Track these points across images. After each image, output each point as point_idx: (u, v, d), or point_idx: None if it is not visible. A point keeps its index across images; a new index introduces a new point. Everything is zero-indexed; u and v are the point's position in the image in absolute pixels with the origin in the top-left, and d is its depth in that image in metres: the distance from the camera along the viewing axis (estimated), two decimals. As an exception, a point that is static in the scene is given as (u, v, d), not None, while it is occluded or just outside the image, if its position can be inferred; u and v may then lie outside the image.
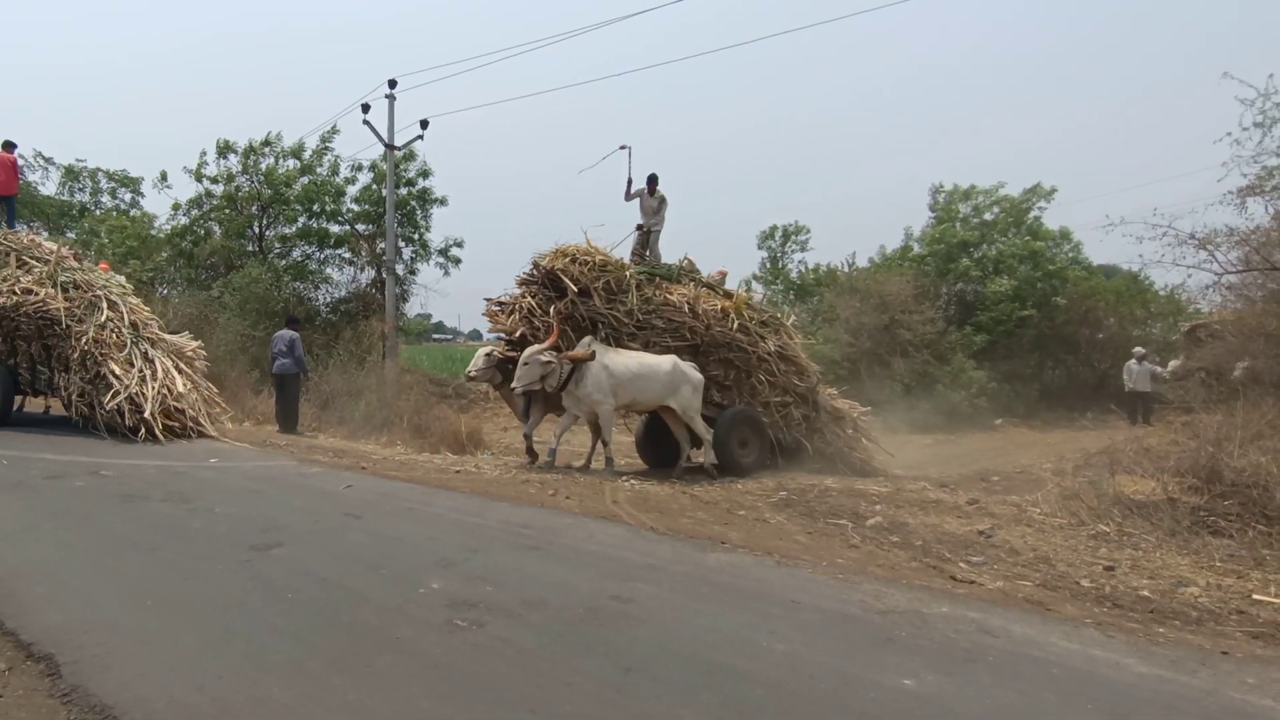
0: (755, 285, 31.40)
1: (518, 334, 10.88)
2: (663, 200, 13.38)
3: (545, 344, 10.15)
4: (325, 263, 27.20)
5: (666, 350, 10.95)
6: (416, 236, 27.58)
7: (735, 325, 11.51)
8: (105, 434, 10.95)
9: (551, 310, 10.65)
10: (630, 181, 13.41)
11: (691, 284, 12.03)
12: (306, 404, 16.57)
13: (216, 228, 26.16)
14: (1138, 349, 20.46)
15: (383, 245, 24.39)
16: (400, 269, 25.61)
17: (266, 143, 25.75)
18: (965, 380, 22.30)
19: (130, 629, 4.10)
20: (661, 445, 11.79)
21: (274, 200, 25.80)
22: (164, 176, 30.23)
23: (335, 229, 26.66)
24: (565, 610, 4.52)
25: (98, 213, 31.15)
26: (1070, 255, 26.05)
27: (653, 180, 13.36)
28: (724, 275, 13.25)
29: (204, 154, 26.31)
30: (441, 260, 28.09)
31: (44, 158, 31.66)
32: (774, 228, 31.74)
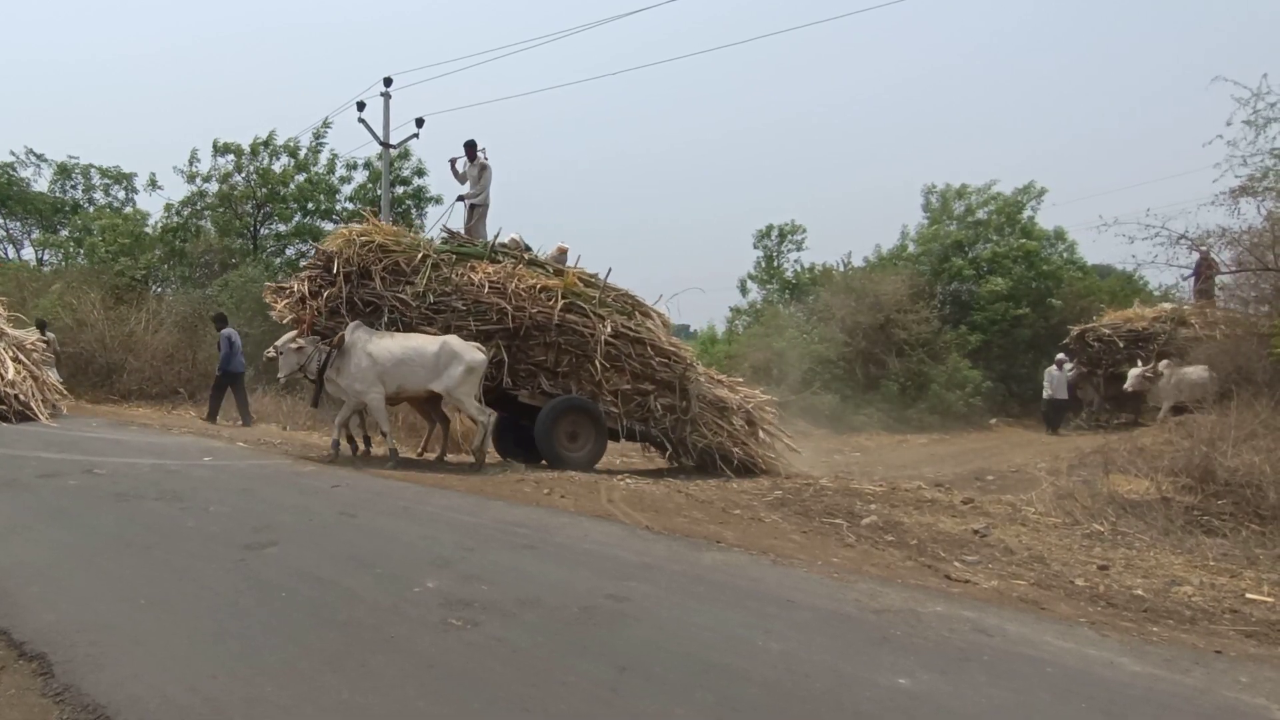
0: (750, 284, 31.53)
1: (286, 320, 10.63)
2: (483, 168, 12.82)
3: (296, 331, 10.13)
4: (320, 261, 27.02)
5: (476, 334, 10.41)
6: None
7: (558, 306, 10.69)
8: None
9: (324, 295, 10.47)
10: (453, 161, 13.09)
11: (510, 262, 11.29)
12: (300, 401, 16.68)
13: (210, 227, 26.07)
14: (1060, 355, 20.26)
15: None
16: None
17: (266, 142, 25.73)
18: (960, 380, 22.37)
19: (123, 628, 4.09)
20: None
21: (269, 198, 25.74)
22: (154, 181, 30.18)
23: (330, 227, 26.31)
24: (560, 609, 4.52)
25: (90, 210, 31.05)
26: (1065, 255, 26.20)
27: (470, 146, 12.84)
28: (563, 252, 12.54)
29: (195, 153, 26.31)
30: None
31: (35, 154, 31.63)
32: (770, 227, 31.55)
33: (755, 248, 31.83)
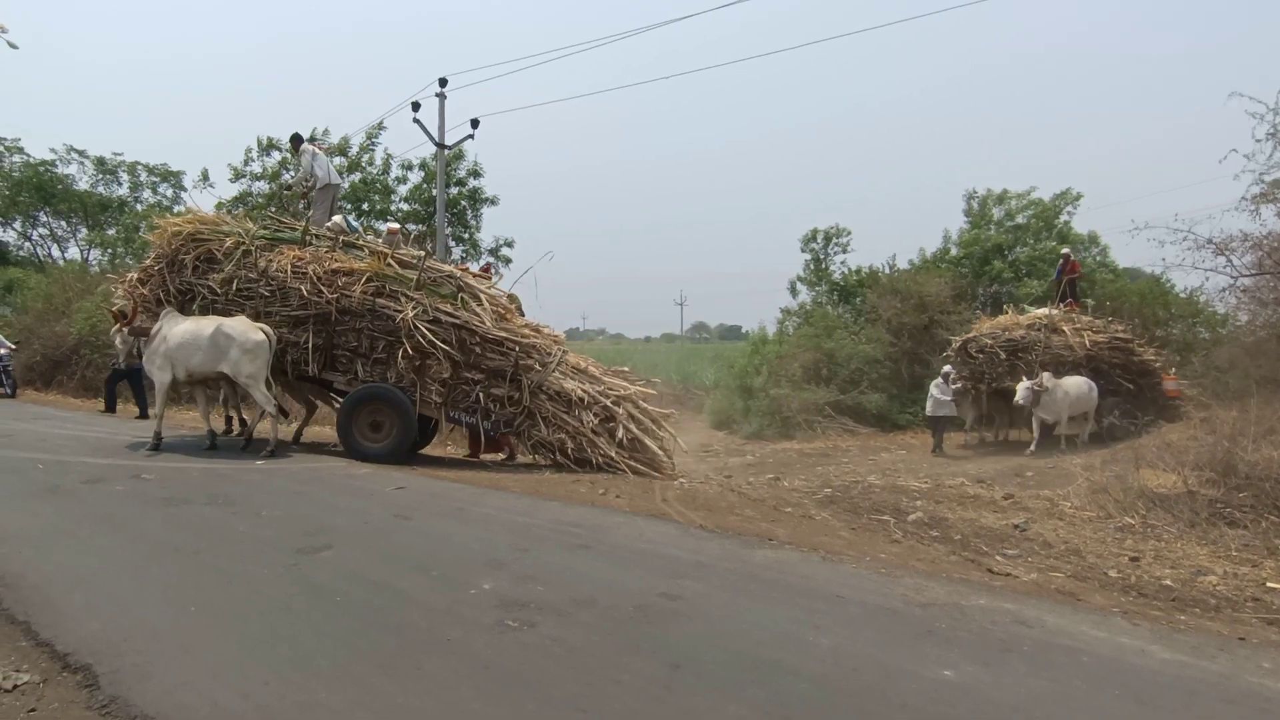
0: (799, 286, 31.74)
1: (116, 308, 11.09)
2: (301, 154, 13.06)
3: (128, 319, 10.52)
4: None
5: (285, 319, 10.54)
6: (467, 236, 27.54)
7: (360, 289, 10.44)
8: None
9: (149, 284, 10.91)
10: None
11: (324, 246, 11.25)
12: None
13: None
14: (946, 367, 18.72)
15: (432, 244, 24.35)
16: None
17: (312, 139, 25.63)
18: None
19: (172, 636, 4.06)
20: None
21: None
22: (205, 175, 30.14)
23: (383, 227, 26.23)
24: (615, 608, 4.57)
25: (139, 208, 30.96)
26: (1098, 258, 26.27)
27: (294, 140, 13.14)
28: (393, 233, 12.61)
29: (249, 151, 26.26)
30: (492, 260, 27.92)
31: (75, 150, 31.61)
32: (815, 231, 31.82)
33: (803, 251, 32.11)
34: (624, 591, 4.92)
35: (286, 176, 24.72)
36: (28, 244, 32.66)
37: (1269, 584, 5.76)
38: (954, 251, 27.95)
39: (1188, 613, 5.07)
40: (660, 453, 10.83)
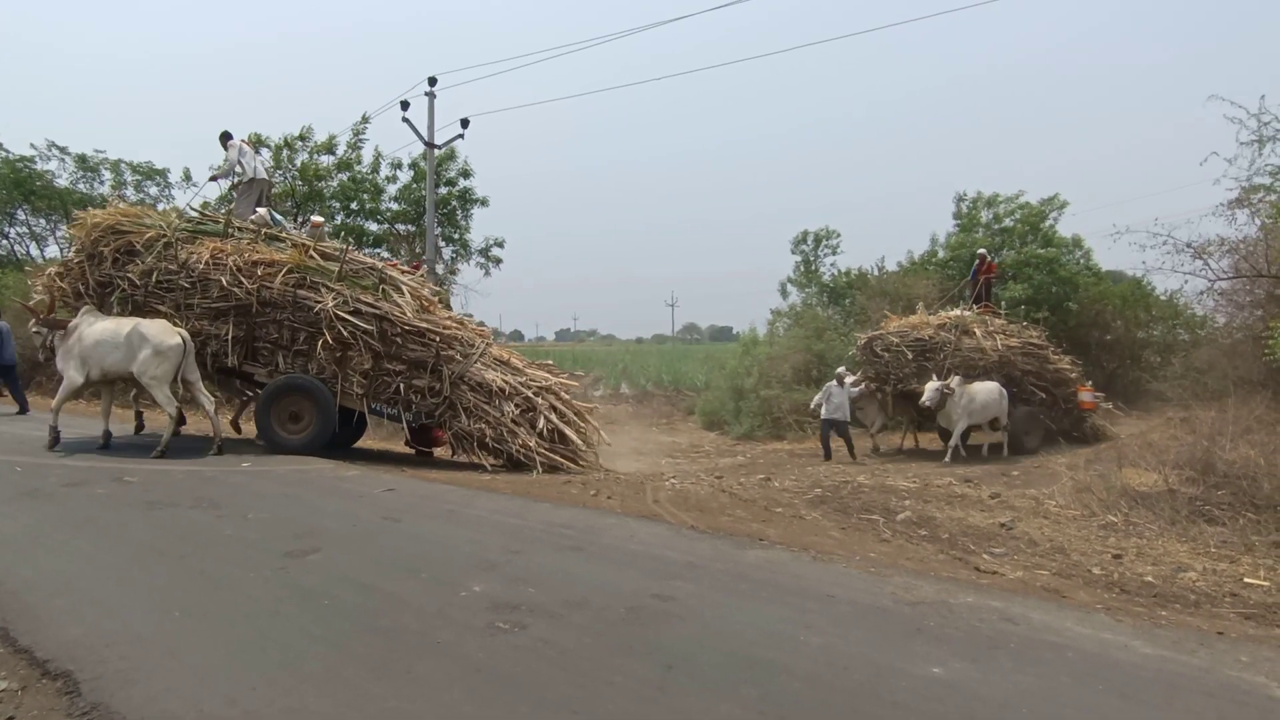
0: (789, 288, 31.98)
1: (33, 301, 11.12)
2: (229, 148, 13.13)
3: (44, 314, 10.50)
4: (363, 261, 26.83)
5: (204, 311, 10.54)
6: (457, 236, 27.31)
7: (279, 280, 10.45)
8: None
9: (68, 278, 10.91)
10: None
11: (246, 238, 11.25)
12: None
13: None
14: (840, 369, 17.53)
15: (422, 245, 24.18)
16: (440, 269, 25.28)
17: (301, 137, 25.22)
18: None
19: (156, 641, 3.97)
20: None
21: (309, 196, 25.22)
22: (187, 175, 29.67)
23: (374, 227, 26.16)
24: (607, 610, 4.56)
25: (120, 206, 30.52)
26: (1081, 262, 26.61)
27: (223, 137, 13.21)
28: (317, 226, 12.70)
29: None
30: (482, 260, 27.86)
31: (56, 146, 30.93)
32: (805, 233, 32.19)
33: (793, 253, 32.46)
34: (616, 593, 4.92)
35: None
36: (5, 241, 32.05)
37: (1246, 579, 5.93)
38: (941, 254, 28.32)
39: (1169, 608, 5.19)
40: (581, 443, 10.90)
